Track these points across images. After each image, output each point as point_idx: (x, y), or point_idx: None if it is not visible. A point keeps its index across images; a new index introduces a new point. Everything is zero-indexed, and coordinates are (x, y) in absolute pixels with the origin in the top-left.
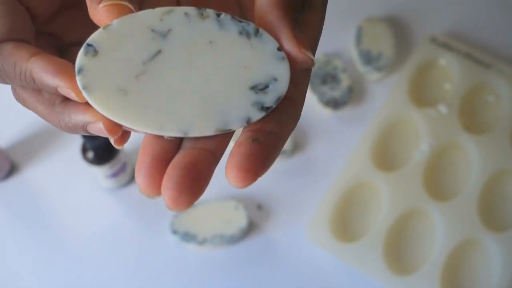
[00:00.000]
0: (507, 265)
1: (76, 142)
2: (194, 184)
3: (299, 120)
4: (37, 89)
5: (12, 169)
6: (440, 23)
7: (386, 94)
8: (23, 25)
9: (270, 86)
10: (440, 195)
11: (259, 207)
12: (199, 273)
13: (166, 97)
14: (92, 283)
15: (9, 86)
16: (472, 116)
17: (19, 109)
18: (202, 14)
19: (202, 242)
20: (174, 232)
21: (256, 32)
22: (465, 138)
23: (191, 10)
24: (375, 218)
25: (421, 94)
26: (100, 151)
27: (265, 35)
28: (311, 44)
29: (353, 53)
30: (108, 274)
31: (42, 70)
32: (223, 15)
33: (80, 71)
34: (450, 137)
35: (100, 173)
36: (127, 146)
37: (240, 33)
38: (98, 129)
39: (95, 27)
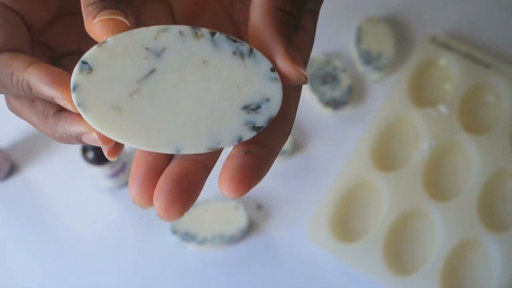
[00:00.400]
0: (507, 265)
1: None
2: (185, 194)
3: (299, 120)
4: (31, 100)
5: (12, 169)
6: (440, 23)
7: (386, 94)
8: (19, 35)
9: (262, 106)
10: (440, 195)
11: (259, 207)
12: (199, 273)
13: (159, 115)
14: (92, 283)
15: None
16: (472, 116)
17: None
18: (196, 33)
19: (202, 242)
20: (174, 232)
21: (250, 52)
22: (465, 138)
23: (185, 29)
24: (375, 218)
25: (421, 94)
26: (100, 151)
27: (259, 55)
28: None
29: (353, 53)
30: (108, 274)
31: (38, 80)
32: (217, 35)
33: (75, 88)
34: (450, 137)
35: (100, 173)
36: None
37: (234, 53)
38: (92, 139)
39: (89, 37)
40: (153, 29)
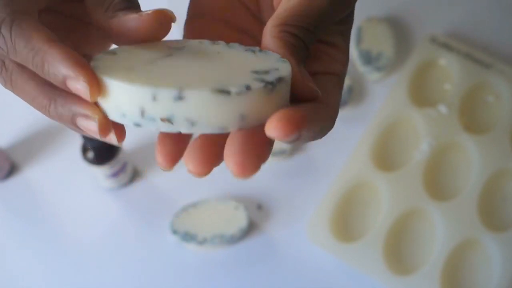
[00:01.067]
0: (507, 265)
1: (76, 142)
2: (258, 148)
3: None
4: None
5: (12, 169)
6: (440, 23)
7: (386, 94)
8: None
9: (272, 72)
10: (440, 195)
11: (259, 207)
12: (199, 273)
13: (168, 72)
14: (92, 283)
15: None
16: (472, 116)
17: (19, 109)
18: (214, 43)
19: (202, 242)
20: (174, 232)
21: (261, 51)
22: (465, 138)
23: (204, 40)
24: (375, 218)
25: (421, 94)
26: (100, 151)
27: (269, 52)
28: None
29: (353, 53)
30: (108, 274)
31: (61, 57)
32: (232, 43)
33: (94, 59)
34: (450, 137)
35: (100, 173)
36: (127, 146)
37: (246, 50)
38: (88, 125)
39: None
40: (175, 40)
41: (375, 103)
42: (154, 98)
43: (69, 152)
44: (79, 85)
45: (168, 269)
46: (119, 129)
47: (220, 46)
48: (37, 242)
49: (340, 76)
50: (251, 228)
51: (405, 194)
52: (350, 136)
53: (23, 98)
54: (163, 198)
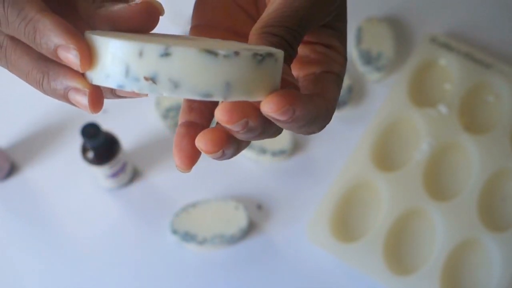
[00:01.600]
0: (507, 265)
1: (76, 142)
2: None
3: None
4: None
5: (12, 169)
6: (440, 23)
7: (386, 94)
8: None
9: (264, 51)
10: (440, 195)
11: (259, 207)
12: (199, 273)
13: (159, 39)
14: (92, 283)
15: (10, 88)
16: (472, 116)
17: (19, 109)
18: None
19: (202, 242)
20: (174, 232)
21: None
22: (465, 138)
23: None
24: (375, 218)
25: (421, 94)
26: (100, 151)
27: None
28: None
29: (353, 53)
30: (108, 274)
31: (52, 26)
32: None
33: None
34: (450, 137)
35: (100, 173)
36: (127, 146)
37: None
38: (79, 99)
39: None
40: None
41: (375, 103)
42: (140, 54)
43: (69, 152)
44: (70, 54)
45: (168, 269)
46: (97, 95)
47: (218, 40)
48: (37, 242)
49: (339, 75)
50: (251, 228)
51: (405, 194)
52: (350, 136)
53: (17, 74)
54: (163, 198)
